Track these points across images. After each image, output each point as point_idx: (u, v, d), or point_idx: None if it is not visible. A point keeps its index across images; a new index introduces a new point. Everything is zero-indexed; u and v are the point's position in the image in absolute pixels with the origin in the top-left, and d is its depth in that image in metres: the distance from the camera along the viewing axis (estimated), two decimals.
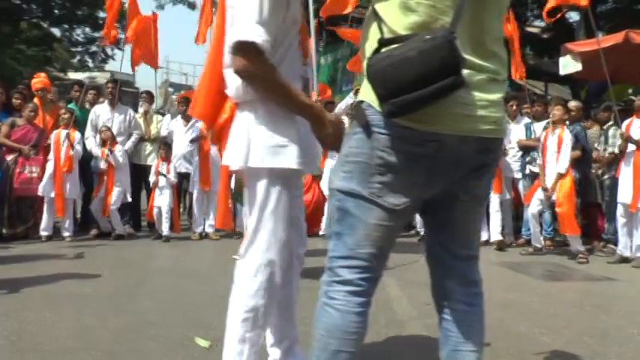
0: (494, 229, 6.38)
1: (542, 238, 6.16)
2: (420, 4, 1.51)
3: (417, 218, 6.76)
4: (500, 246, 6.25)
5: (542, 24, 13.00)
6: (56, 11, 17.37)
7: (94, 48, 19.46)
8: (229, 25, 1.90)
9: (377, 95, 1.52)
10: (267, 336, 2.19)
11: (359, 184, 1.56)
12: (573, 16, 13.19)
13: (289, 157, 1.91)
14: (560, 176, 5.74)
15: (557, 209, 5.72)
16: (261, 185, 1.94)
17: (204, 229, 6.75)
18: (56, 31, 18.72)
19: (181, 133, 7.03)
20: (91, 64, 21.46)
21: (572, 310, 3.82)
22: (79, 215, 7.13)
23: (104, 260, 5.29)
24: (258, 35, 1.78)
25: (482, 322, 1.72)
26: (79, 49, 19.77)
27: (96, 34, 18.25)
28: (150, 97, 7.41)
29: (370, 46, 1.60)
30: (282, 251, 1.95)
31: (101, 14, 20.12)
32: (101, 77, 21.74)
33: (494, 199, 6.38)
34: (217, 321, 2.63)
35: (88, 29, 18.86)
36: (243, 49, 1.78)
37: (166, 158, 6.63)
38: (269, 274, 1.92)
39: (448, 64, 1.43)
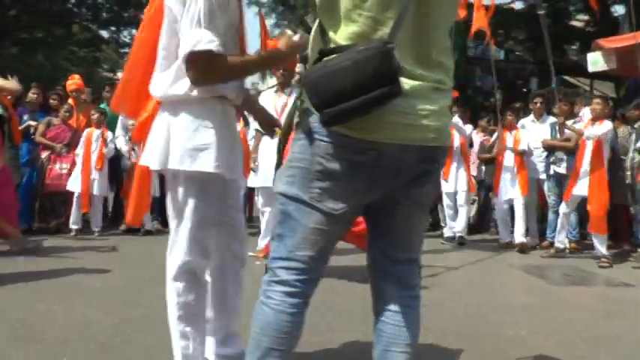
0: (517, 232, 6.25)
1: (566, 240, 6.02)
2: (361, 16, 1.55)
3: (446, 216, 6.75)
4: (522, 248, 6.11)
5: (586, 17, 12.58)
6: (104, 14, 18.01)
7: None
8: (168, 24, 1.99)
9: (312, 104, 1.57)
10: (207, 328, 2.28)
11: (300, 189, 1.61)
12: (619, 10, 12.72)
13: (207, 161, 1.98)
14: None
15: (588, 206, 5.55)
16: (179, 187, 2.02)
17: None
18: (104, 33, 19.44)
19: None
20: None
21: (573, 315, 3.73)
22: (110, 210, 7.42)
23: (125, 255, 5.50)
24: (210, 41, 1.84)
25: (415, 324, 1.74)
26: (127, 50, 20.44)
27: None
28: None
29: (312, 57, 1.65)
30: (200, 252, 2.02)
31: None
32: None
33: (519, 201, 6.25)
34: None
35: (134, 31, 19.49)
36: (200, 59, 1.86)
37: None
38: (190, 272, 2.00)
39: (382, 73, 1.46)
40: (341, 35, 1.58)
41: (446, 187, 6.72)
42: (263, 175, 5.49)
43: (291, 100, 5.60)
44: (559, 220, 5.87)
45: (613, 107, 6.50)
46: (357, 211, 1.73)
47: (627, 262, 5.75)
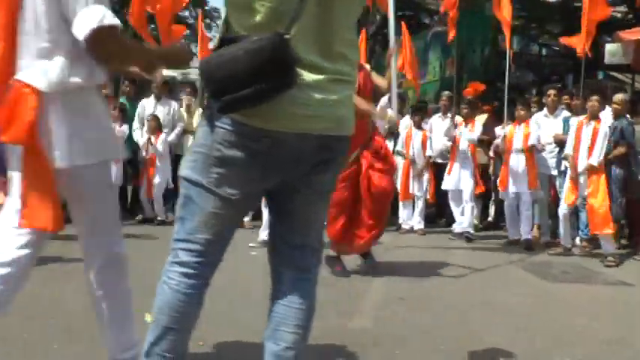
0: (523, 228, 6.12)
1: (577, 239, 5.87)
2: (263, 6, 1.59)
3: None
4: (527, 245, 5.98)
5: (624, 8, 12.05)
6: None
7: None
8: (49, 6, 1.84)
9: (209, 92, 1.63)
10: None
11: (200, 174, 1.68)
12: None
13: (109, 148, 2.04)
14: (592, 168, 5.40)
15: (587, 203, 5.41)
16: (90, 181, 1.98)
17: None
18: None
19: None
20: None
21: (552, 314, 3.66)
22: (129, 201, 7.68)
23: (132, 245, 5.68)
24: (114, 17, 1.81)
25: (308, 307, 1.79)
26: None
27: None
28: (193, 90, 7.79)
29: (215, 45, 1.71)
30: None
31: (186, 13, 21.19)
32: (194, 73, 22.91)
33: (526, 196, 6.12)
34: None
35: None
36: (108, 36, 1.80)
37: None
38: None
39: (276, 64, 1.51)
40: (242, 25, 1.63)
41: (447, 184, 6.65)
42: None
43: None
44: (560, 221, 5.73)
45: (631, 102, 6.28)
46: (255, 197, 1.79)
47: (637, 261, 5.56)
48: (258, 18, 1.59)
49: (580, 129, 5.64)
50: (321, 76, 1.63)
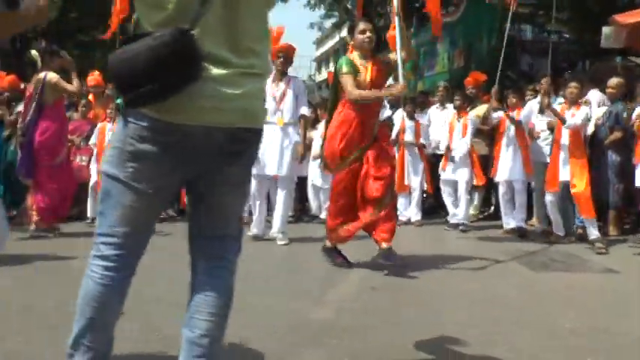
0: (518, 216, 6.05)
1: (575, 227, 5.79)
2: (170, 3, 1.63)
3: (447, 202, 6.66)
4: (521, 233, 5.91)
5: None
6: None
7: None
8: None
9: (116, 88, 1.68)
10: None
11: (116, 168, 1.72)
12: None
13: None
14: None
15: (571, 190, 5.34)
16: None
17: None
18: None
19: None
20: None
21: (536, 305, 3.62)
22: None
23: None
24: None
25: (223, 296, 1.82)
26: None
27: None
28: None
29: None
30: None
31: None
32: None
33: (518, 183, 6.05)
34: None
35: None
36: None
37: None
38: None
39: (178, 58, 1.55)
40: (151, 22, 1.67)
41: (444, 174, 6.62)
42: (258, 162, 5.60)
43: (289, 89, 5.69)
44: (548, 210, 5.65)
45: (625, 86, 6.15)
46: (171, 190, 1.83)
47: (629, 248, 5.46)
48: (165, 14, 1.63)
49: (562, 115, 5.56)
50: (229, 70, 1.66)
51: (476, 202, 7.50)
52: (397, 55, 4.14)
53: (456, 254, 5.01)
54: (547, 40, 14.59)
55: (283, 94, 5.68)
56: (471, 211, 7.48)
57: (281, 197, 5.66)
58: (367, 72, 4.29)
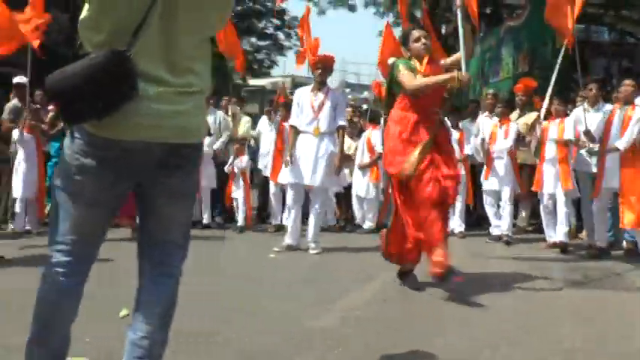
0: (559, 229, 5.80)
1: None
2: (106, 26, 1.78)
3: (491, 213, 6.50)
4: (561, 247, 5.67)
5: None
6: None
7: (259, 56, 21.40)
8: None
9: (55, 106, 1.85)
10: None
11: (65, 181, 1.88)
12: None
13: None
14: (617, 151, 5.09)
15: (620, 199, 5.10)
16: None
17: (281, 220, 7.09)
18: None
19: (267, 132, 7.63)
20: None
21: (548, 322, 3.49)
22: None
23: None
24: None
25: (165, 300, 1.95)
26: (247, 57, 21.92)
27: (260, 42, 20.13)
28: (239, 99, 8.15)
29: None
30: None
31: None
32: (283, 82, 23.67)
33: (561, 196, 5.80)
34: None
35: (253, 39, 20.97)
36: None
37: (241, 153, 7.30)
38: None
39: (113, 78, 1.69)
40: (91, 43, 1.82)
41: (486, 184, 6.46)
42: (295, 171, 5.74)
43: (327, 99, 5.79)
44: (595, 219, 5.38)
45: None
46: (114, 202, 1.95)
47: None
48: (102, 36, 1.78)
49: (612, 116, 5.30)
50: (166, 89, 1.79)
51: (524, 213, 7.26)
52: (461, 50, 4.04)
53: (486, 268, 4.90)
54: (626, 41, 13.89)
55: (321, 104, 5.76)
56: (522, 223, 7.26)
57: (314, 207, 5.74)
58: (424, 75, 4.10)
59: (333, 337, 3.01)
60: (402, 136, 4.07)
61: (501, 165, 6.36)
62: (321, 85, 5.86)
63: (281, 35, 21.64)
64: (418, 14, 14.53)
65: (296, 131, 5.81)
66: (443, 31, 16.63)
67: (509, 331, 3.23)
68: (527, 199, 6.92)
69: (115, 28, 1.76)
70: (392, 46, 7.28)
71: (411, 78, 4.03)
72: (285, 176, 5.94)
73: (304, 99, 5.83)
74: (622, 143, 5.06)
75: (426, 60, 4.17)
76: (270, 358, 2.76)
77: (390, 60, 4.75)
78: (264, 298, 3.82)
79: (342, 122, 5.80)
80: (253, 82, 26.51)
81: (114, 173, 1.82)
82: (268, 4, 20.49)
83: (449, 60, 4.31)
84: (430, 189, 3.90)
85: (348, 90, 32.92)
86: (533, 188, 6.19)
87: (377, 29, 25.73)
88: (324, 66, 5.86)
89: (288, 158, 5.79)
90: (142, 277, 1.98)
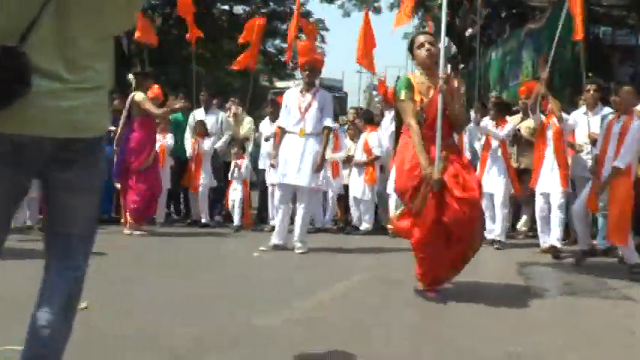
0: (553, 234, 5.62)
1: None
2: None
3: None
4: (551, 252, 5.49)
5: None
6: None
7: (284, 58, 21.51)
8: None
9: None
10: None
11: None
12: None
13: None
14: (618, 171, 4.73)
15: (607, 211, 4.88)
16: None
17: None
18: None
19: (269, 133, 7.64)
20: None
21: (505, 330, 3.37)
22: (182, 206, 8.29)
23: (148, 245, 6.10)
24: None
25: (63, 292, 1.96)
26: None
27: (284, 45, 20.27)
28: (241, 100, 8.20)
29: None
30: None
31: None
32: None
33: (555, 197, 5.62)
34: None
35: (277, 42, 21.12)
36: None
37: (240, 156, 7.32)
38: None
39: (4, 74, 1.71)
40: None
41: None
42: (281, 171, 5.73)
43: (315, 101, 5.76)
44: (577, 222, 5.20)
45: None
46: (13, 195, 1.95)
47: None
48: None
49: (610, 126, 5.04)
50: (60, 85, 1.81)
51: (525, 217, 7.07)
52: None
53: (470, 274, 4.74)
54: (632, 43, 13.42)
55: (308, 106, 5.77)
56: (523, 227, 7.08)
57: (301, 206, 5.72)
58: (431, 93, 3.79)
59: (271, 336, 2.98)
60: (403, 167, 3.80)
61: (495, 168, 6.20)
62: (309, 86, 5.88)
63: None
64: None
65: (283, 132, 5.81)
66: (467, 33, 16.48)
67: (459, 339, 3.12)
68: (529, 203, 6.74)
69: (5, 24, 1.78)
70: (371, 39, 7.39)
71: (407, 111, 3.77)
72: (272, 176, 5.97)
73: (292, 100, 5.84)
74: (620, 162, 4.76)
75: (432, 92, 3.79)
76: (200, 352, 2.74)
77: (398, 77, 4.64)
78: (223, 298, 3.78)
79: (327, 123, 5.77)
80: (280, 84, 26.79)
81: (9, 167, 1.84)
82: (292, 6, 20.58)
83: None
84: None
85: (375, 92, 33.02)
86: (529, 185, 6.01)
87: (402, 31, 25.72)
88: (311, 67, 5.88)
89: (273, 160, 5.81)
90: (48, 270, 2.00)
